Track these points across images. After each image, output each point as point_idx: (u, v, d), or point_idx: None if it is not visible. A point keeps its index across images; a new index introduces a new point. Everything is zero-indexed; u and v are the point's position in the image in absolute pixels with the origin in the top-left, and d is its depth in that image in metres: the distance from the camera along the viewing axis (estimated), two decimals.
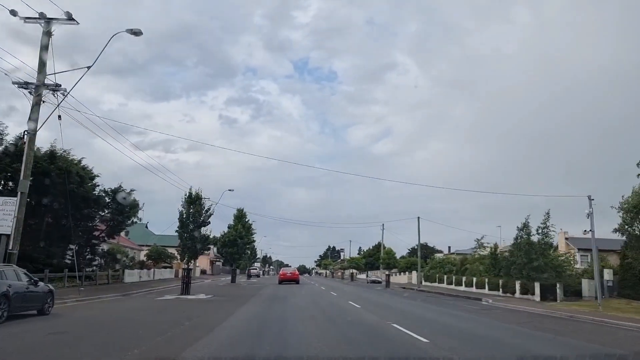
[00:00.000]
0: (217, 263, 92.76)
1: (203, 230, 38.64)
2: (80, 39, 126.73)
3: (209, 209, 37.28)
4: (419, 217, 50.96)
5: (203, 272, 78.48)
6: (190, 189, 36.38)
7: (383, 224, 74.50)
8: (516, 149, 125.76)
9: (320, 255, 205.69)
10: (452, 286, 45.78)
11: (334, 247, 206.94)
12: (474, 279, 40.93)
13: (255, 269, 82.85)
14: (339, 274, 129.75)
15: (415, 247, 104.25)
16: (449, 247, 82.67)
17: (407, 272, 71.10)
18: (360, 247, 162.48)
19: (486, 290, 37.55)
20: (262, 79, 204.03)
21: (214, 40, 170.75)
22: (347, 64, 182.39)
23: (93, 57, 19.69)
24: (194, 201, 36.87)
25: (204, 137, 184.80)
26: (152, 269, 47.04)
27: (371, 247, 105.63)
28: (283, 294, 29.97)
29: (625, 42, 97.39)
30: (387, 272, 49.42)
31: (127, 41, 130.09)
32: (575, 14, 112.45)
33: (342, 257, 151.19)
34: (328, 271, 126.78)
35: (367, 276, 71.99)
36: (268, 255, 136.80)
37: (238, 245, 43.59)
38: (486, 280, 38.14)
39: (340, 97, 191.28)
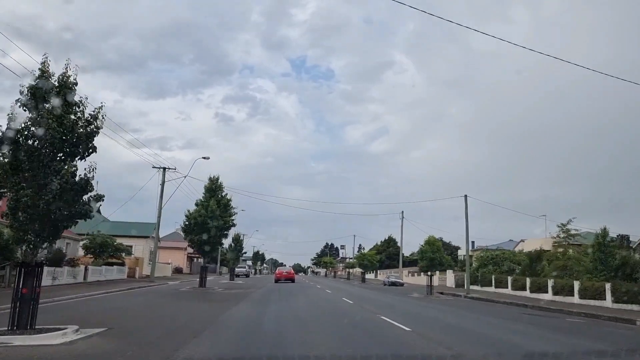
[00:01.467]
0: (197, 259, 77.38)
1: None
2: (77, 36, 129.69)
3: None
4: (466, 196, 35.98)
5: (178, 270, 63.39)
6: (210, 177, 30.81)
7: (402, 212, 59.62)
8: (512, 147, 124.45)
9: (317, 253, 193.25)
10: (525, 293, 30.85)
11: (332, 244, 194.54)
12: (576, 284, 26.03)
13: (244, 268, 67.51)
14: (343, 273, 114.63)
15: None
16: (473, 242, 67.41)
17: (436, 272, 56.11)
18: (360, 245, 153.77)
19: (608, 302, 22.75)
20: (259, 77, 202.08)
21: (211, 37, 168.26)
22: (344, 62, 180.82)
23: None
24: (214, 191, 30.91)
25: (200, 135, 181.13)
26: (86, 267, 31.89)
27: (380, 242, 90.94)
28: (274, 315, 14.96)
29: (621, 42, 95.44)
30: (429, 273, 34.18)
31: (122, 38, 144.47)
32: (571, 13, 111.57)
33: (342, 254, 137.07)
34: (327, 270, 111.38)
35: (386, 277, 56.71)
36: (260, 252, 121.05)
37: (209, 230, 28.18)
38: (608, 286, 23.23)
39: (337, 96, 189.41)
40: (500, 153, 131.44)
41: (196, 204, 30.64)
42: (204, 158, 39.11)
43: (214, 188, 30.82)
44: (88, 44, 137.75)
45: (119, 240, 42.30)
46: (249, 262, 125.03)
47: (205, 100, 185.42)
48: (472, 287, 39.12)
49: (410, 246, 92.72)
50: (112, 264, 38.14)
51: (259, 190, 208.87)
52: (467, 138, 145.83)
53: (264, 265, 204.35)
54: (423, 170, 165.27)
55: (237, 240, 53.78)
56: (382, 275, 77.66)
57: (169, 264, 56.65)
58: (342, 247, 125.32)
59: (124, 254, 40.12)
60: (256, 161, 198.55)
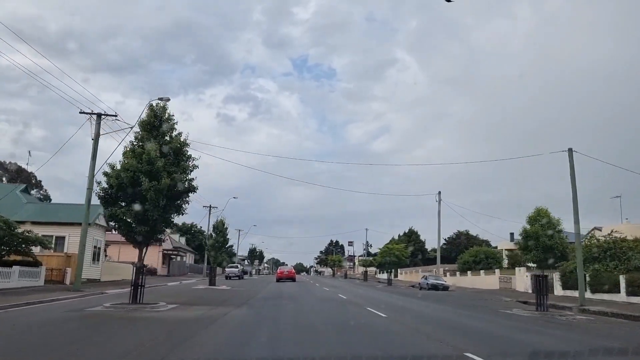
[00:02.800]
0: (181, 257, 63.42)
1: None
2: (77, 36, 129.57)
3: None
4: (570, 150, 22.03)
5: (151, 272, 49.50)
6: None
7: (439, 192, 45.72)
8: (512, 143, 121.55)
9: (321, 251, 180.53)
10: None
11: (336, 242, 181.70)
12: None
13: (236, 267, 53.32)
14: (353, 272, 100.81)
15: (454, 236, 75.81)
16: (511, 234, 52.94)
17: (491, 270, 42.23)
18: (368, 242, 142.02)
19: None
20: (261, 76, 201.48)
21: (213, 37, 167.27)
22: (346, 61, 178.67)
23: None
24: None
25: (201, 136, 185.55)
26: None
27: (399, 236, 76.92)
28: None
29: (622, 38, 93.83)
30: (541, 272, 19.83)
31: (124, 38, 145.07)
32: (573, 9, 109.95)
33: (349, 252, 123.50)
34: (334, 269, 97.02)
35: (423, 278, 42.57)
36: (257, 250, 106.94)
37: (144, 197, 13.67)
38: None
39: (339, 95, 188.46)
40: (502, 150, 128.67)
41: (124, 153, 16.58)
42: (160, 99, 24.79)
43: (155, 124, 16.71)
44: (89, 45, 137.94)
45: (44, 230, 28.85)
46: (246, 262, 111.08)
47: (206, 100, 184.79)
48: (566, 292, 25.34)
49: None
50: (21, 264, 24.32)
51: (261, 191, 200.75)
52: (469, 136, 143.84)
53: (264, 265, 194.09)
54: (426, 168, 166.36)
55: (221, 229, 39.57)
56: (408, 275, 63.84)
57: (133, 263, 42.65)
58: (351, 243, 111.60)
59: (39, 248, 26.12)
60: (258, 161, 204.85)
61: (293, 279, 48.63)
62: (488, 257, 45.96)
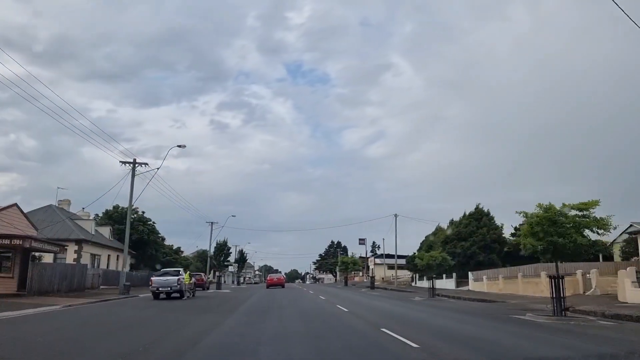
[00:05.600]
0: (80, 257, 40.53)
1: None
2: (70, 44, 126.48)
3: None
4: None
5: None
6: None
7: None
8: (510, 147, 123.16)
9: (320, 255, 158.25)
10: None
11: (338, 243, 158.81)
12: None
13: (176, 273, 28.47)
14: (367, 278, 78.21)
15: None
16: None
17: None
18: (374, 242, 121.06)
19: None
20: (255, 83, 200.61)
21: (206, 43, 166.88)
22: (341, 66, 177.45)
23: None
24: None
25: (195, 143, 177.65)
26: None
27: (462, 218, 54.13)
28: None
29: (621, 40, 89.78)
30: None
31: (116, 46, 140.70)
32: (572, 11, 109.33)
33: (353, 253, 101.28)
34: (345, 275, 72.84)
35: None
36: (244, 253, 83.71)
37: None
38: None
39: (334, 100, 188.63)
40: (499, 154, 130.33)
41: None
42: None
43: None
44: (81, 53, 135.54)
45: None
46: (230, 267, 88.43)
47: (200, 107, 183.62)
48: None
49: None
50: None
51: (255, 198, 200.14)
52: (465, 140, 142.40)
53: (256, 272, 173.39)
54: (421, 173, 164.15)
55: None
56: (494, 283, 40.91)
57: None
58: (362, 241, 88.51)
59: None
60: (252, 168, 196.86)
61: (282, 285, 51.24)
62: None
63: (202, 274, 48.85)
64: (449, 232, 45.79)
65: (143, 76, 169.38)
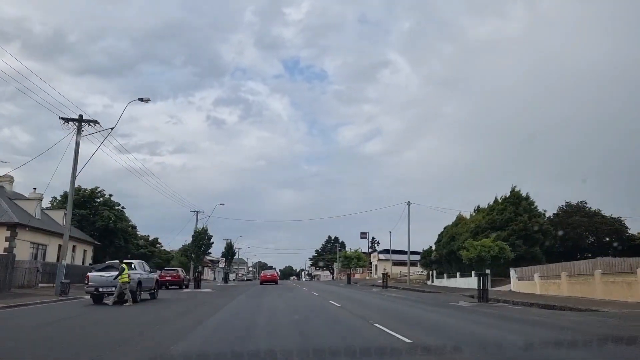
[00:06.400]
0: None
1: None
2: (64, 37, 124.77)
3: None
4: None
5: None
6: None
7: None
8: (508, 146, 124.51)
9: (317, 250, 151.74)
10: None
11: (335, 238, 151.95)
12: None
13: (130, 266, 19.56)
14: (369, 275, 70.23)
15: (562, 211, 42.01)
16: None
17: None
18: (374, 238, 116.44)
19: None
20: (251, 79, 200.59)
21: (203, 38, 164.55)
22: (338, 62, 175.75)
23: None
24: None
25: (191, 139, 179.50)
26: None
27: (497, 201, 45.84)
28: None
29: (620, 36, 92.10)
30: None
31: (112, 40, 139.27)
32: (570, 8, 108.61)
33: (350, 247, 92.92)
34: (348, 270, 64.26)
35: None
36: (232, 245, 75.09)
37: None
38: None
39: (331, 97, 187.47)
40: (495, 151, 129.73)
41: None
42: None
43: None
44: (76, 47, 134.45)
45: None
46: (220, 264, 79.89)
47: (196, 103, 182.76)
48: None
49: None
50: None
51: (250, 194, 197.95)
52: (462, 137, 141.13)
53: (250, 269, 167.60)
54: (418, 171, 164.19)
55: None
56: (555, 283, 32.55)
57: None
58: (364, 235, 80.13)
59: None
60: (248, 165, 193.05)
61: (275, 282, 52.23)
62: None
63: (179, 269, 40.45)
64: (480, 219, 37.40)
65: (139, 71, 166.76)
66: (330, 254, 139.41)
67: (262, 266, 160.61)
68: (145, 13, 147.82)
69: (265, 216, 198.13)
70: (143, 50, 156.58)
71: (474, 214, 41.69)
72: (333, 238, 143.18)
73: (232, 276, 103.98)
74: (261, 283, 51.00)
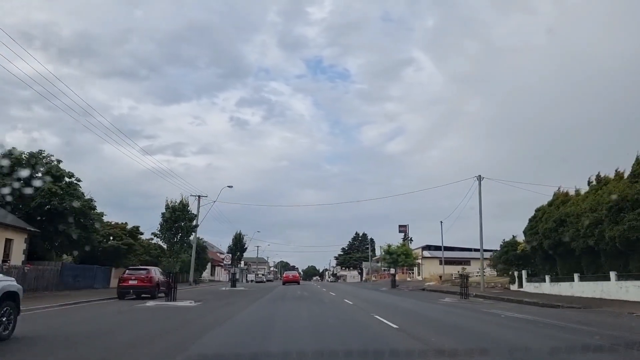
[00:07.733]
0: None
1: None
2: (90, 40, 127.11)
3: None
4: None
5: None
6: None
7: None
8: (534, 143, 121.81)
9: (343, 249, 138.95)
10: None
11: (364, 234, 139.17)
12: None
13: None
14: (410, 276, 56.25)
15: None
16: None
17: None
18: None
19: None
20: (274, 79, 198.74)
21: (227, 39, 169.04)
22: (361, 61, 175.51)
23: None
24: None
25: (214, 140, 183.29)
26: None
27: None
28: None
29: None
30: None
31: (137, 43, 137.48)
32: (599, 2, 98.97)
33: (378, 244, 78.85)
34: (392, 269, 50.16)
35: None
36: (242, 237, 61.50)
37: None
38: None
39: (354, 96, 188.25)
40: (521, 150, 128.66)
41: None
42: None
43: None
44: (102, 50, 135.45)
45: None
46: (227, 260, 66.79)
47: (220, 104, 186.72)
48: None
49: None
50: None
51: (273, 194, 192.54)
52: (488, 135, 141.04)
53: (272, 269, 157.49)
54: (440, 170, 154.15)
55: None
56: None
57: None
58: (403, 228, 65.99)
59: None
60: (271, 165, 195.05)
61: (298, 282, 54.76)
62: None
63: (153, 269, 27.15)
64: (624, 188, 22.86)
65: (164, 73, 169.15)
66: (358, 252, 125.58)
67: (284, 266, 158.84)
68: (170, 15, 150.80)
69: (289, 215, 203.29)
70: (167, 52, 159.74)
71: (580, 192, 27.50)
72: (361, 235, 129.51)
73: (250, 276, 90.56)
74: (284, 283, 53.42)
